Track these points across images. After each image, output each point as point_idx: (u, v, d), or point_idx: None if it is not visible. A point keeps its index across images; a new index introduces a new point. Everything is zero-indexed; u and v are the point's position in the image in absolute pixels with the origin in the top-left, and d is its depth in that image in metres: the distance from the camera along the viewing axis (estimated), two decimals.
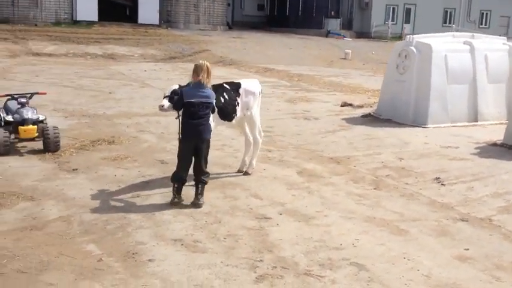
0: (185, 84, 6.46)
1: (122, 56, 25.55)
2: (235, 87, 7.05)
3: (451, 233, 5.57)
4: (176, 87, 6.32)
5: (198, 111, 5.90)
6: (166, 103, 6.20)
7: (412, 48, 11.19)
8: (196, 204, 5.98)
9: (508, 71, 11.77)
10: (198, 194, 6.03)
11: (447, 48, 11.20)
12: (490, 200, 6.62)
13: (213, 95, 6.12)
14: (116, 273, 4.45)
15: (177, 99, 6.05)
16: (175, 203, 6.00)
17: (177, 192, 6.04)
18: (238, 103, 6.98)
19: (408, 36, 11.55)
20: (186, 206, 5.96)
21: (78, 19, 35.05)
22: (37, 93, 8.66)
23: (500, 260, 4.96)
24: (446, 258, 4.96)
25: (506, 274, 4.69)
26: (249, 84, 7.32)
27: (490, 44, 11.88)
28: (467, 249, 5.16)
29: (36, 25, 32.96)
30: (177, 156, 6.11)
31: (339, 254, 4.96)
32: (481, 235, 5.53)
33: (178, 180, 6.03)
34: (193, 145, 5.98)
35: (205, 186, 6.14)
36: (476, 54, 11.36)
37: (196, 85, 5.96)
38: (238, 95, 7.00)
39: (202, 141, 6.02)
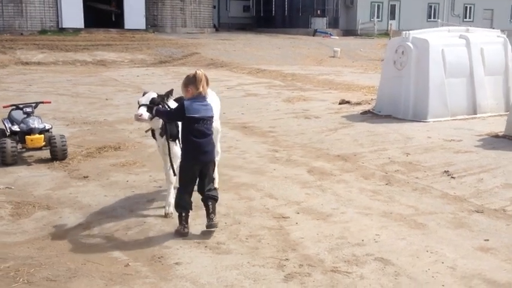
0: (164, 92, 5.65)
1: (112, 62, 25.52)
2: None
3: (469, 224, 5.64)
4: (154, 95, 5.46)
5: (202, 128, 5.16)
6: (145, 113, 5.31)
7: (409, 44, 11.29)
8: (211, 225, 5.28)
9: (504, 62, 11.92)
10: (210, 213, 5.28)
11: (443, 42, 11.31)
12: (501, 191, 6.70)
13: (212, 107, 5.36)
14: (145, 278, 4.45)
15: (175, 112, 5.29)
16: (185, 233, 5.26)
17: (186, 221, 5.31)
18: None
19: (404, 32, 11.63)
20: (203, 209, 5.90)
21: (64, 26, 34.93)
22: (42, 102, 8.63)
23: None
24: (468, 250, 5.01)
25: None
26: (210, 95, 6.35)
27: (485, 37, 12.00)
28: (487, 240, 5.22)
29: (22, 34, 32.81)
30: (179, 180, 5.34)
31: (362, 249, 5.00)
32: (498, 226, 5.60)
33: (184, 207, 5.30)
34: (199, 167, 5.24)
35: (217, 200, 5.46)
36: (472, 48, 11.48)
37: (198, 98, 5.16)
38: None
39: (210, 163, 5.35)
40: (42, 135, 7.93)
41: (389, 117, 11.39)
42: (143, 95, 5.54)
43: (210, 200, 5.31)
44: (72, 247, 5.04)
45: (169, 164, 5.78)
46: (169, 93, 5.62)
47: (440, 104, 11.12)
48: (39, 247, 5.02)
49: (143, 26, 37.18)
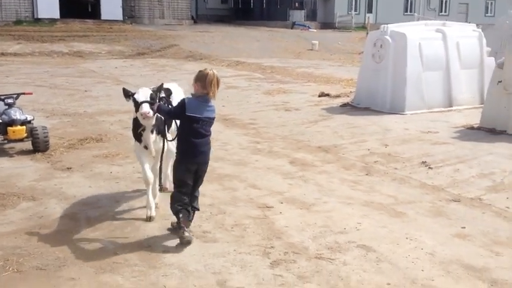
0: (155, 86, 5.41)
1: (89, 53, 25.32)
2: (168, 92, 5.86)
3: (446, 213, 5.83)
4: (150, 91, 5.18)
5: (201, 129, 4.98)
6: (150, 110, 5.03)
7: (387, 37, 11.48)
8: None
9: (479, 56, 12.20)
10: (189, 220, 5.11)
11: (421, 36, 11.53)
12: (477, 180, 6.93)
13: (215, 109, 5.13)
14: (134, 265, 4.54)
15: (175, 110, 5.12)
16: (188, 239, 4.95)
17: (185, 224, 5.00)
18: None
19: (383, 25, 11.82)
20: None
21: (39, 17, 34.48)
22: (23, 93, 8.59)
23: (496, 236, 5.23)
24: (446, 237, 5.20)
25: (504, 249, 4.95)
26: (171, 86, 6.12)
27: (460, 31, 12.27)
28: (464, 228, 5.41)
29: None
30: (174, 181, 5.20)
31: (345, 237, 5.16)
32: (474, 214, 5.81)
33: (181, 209, 5.04)
34: (195, 168, 5.11)
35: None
36: (448, 42, 11.74)
37: (202, 97, 4.95)
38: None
39: (205, 164, 5.21)
40: (24, 127, 7.91)
41: (368, 110, 11.59)
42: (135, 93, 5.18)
43: (193, 210, 5.18)
44: (60, 237, 5.08)
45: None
46: (160, 89, 5.38)
47: (417, 97, 11.36)
48: (27, 237, 5.06)
49: (120, 17, 36.88)
